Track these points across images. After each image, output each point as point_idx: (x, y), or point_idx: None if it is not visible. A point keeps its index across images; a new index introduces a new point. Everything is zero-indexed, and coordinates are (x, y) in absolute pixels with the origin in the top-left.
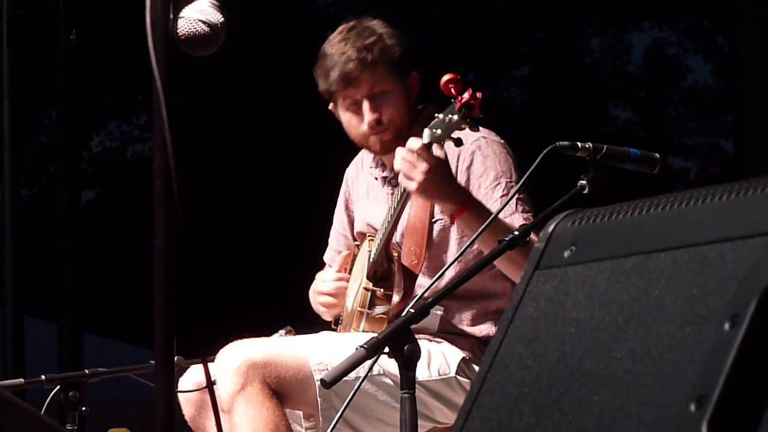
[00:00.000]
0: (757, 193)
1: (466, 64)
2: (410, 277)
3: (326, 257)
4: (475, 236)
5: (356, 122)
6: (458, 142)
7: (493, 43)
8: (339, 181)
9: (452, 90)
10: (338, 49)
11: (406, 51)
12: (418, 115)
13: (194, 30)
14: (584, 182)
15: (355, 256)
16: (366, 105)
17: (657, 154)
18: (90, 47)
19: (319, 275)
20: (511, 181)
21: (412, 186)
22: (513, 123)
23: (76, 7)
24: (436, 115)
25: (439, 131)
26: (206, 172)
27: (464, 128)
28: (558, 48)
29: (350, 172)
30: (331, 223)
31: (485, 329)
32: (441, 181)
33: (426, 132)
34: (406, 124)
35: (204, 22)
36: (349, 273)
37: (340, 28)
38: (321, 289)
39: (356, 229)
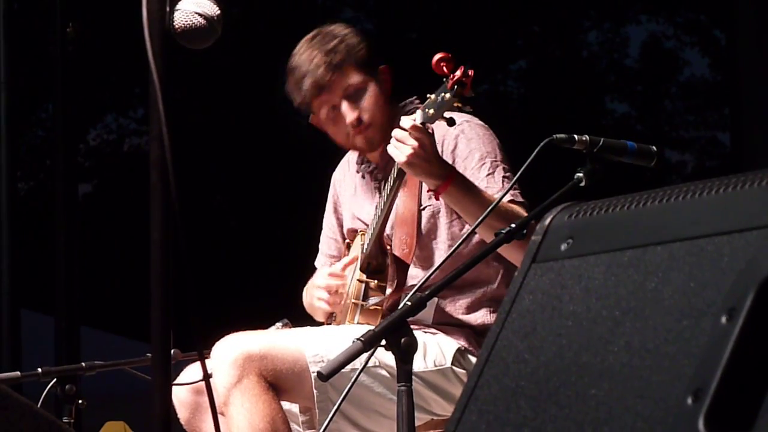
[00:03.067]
0: (754, 187)
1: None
2: (403, 267)
3: (317, 263)
4: (470, 230)
5: (339, 127)
6: (450, 122)
7: (489, 36)
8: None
9: (444, 68)
10: (305, 58)
11: (371, 46)
12: (400, 110)
13: (191, 23)
14: (581, 175)
15: (345, 256)
16: (345, 105)
17: (654, 147)
18: (87, 40)
19: (319, 271)
20: (496, 161)
21: (401, 158)
22: (510, 116)
23: (72, 1)
24: (428, 95)
25: (431, 111)
26: (203, 166)
27: (457, 107)
28: (555, 41)
29: (337, 175)
30: (322, 225)
31: (480, 317)
32: (428, 156)
33: (418, 112)
34: (387, 118)
35: (201, 15)
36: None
37: (302, 41)
38: (320, 284)
39: (347, 226)
